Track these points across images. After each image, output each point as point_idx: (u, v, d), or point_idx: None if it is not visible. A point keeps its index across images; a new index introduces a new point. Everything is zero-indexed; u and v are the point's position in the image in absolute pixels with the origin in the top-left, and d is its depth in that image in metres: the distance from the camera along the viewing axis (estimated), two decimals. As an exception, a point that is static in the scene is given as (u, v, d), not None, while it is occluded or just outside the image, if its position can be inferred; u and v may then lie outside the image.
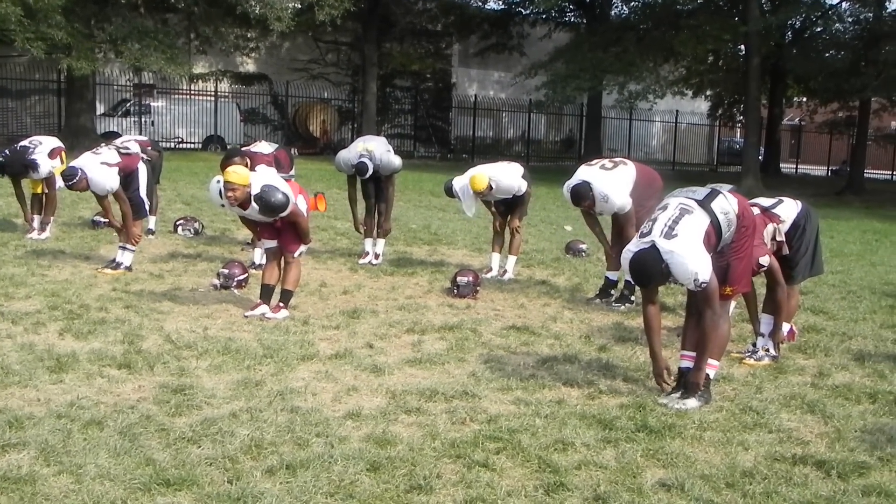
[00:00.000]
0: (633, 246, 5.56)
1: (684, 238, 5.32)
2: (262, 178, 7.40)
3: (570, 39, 35.27)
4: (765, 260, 6.35)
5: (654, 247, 5.35)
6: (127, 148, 9.61)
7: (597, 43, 30.91)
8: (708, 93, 38.44)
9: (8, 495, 3.88)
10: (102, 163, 9.00)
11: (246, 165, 9.01)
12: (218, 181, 7.39)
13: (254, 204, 7.27)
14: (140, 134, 26.67)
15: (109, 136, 21.16)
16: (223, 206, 7.50)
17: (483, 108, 40.66)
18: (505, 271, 9.98)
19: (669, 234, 5.35)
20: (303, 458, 4.42)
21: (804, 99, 41.35)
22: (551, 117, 43.21)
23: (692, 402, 5.51)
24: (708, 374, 5.68)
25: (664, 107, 39.81)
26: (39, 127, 29.83)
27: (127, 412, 4.98)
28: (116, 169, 9.07)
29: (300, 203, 7.56)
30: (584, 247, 11.92)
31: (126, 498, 3.91)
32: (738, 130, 44.29)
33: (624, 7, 37.20)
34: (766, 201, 6.94)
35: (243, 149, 10.48)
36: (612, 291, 8.84)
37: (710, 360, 5.68)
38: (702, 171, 38.89)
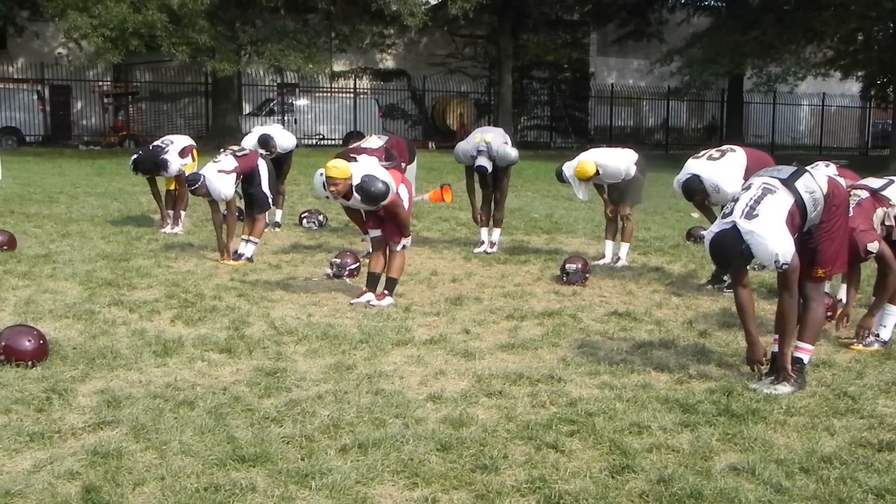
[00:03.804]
0: (714, 227, 5.46)
1: (765, 218, 5.18)
2: (363, 168, 7.56)
3: (710, 24, 34.46)
4: (873, 246, 6.10)
5: (734, 227, 5.23)
6: (243, 149, 10.01)
7: (735, 26, 30.08)
8: (859, 73, 36.82)
9: (95, 469, 4.13)
10: (220, 171, 9.39)
11: None
12: (321, 174, 7.60)
13: (356, 194, 7.45)
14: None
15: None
16: (328, 197, 7.71)
17: (622, 97, 40.18)
18: (618, 259, 9.90)
19: (750, 214, 5.21)
20: (376, 437, 4.52)
21: (966, 76, 39.04)
22: (693, 104, 42.33)
23: (783, 388, 5.36)
24: (801, 359, 5.50)
25: (811, 90, 38.42)
26: (190, 128, 31.21)
27: (218, 393, 5.20)
28: (233, 175, 9.45)
29: (402, 192, 7.70)
30: (705, 233, 11.63)
31: (201, 472, 4.10)
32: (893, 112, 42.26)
33: (766, -13, 36.06)
34: (875, 182, 6.65)
35: (352, 146, 10.63)
36: (725, 277, 8.64)
37: (803, 345, 5.52)
38: (851, 154, 37.32)
